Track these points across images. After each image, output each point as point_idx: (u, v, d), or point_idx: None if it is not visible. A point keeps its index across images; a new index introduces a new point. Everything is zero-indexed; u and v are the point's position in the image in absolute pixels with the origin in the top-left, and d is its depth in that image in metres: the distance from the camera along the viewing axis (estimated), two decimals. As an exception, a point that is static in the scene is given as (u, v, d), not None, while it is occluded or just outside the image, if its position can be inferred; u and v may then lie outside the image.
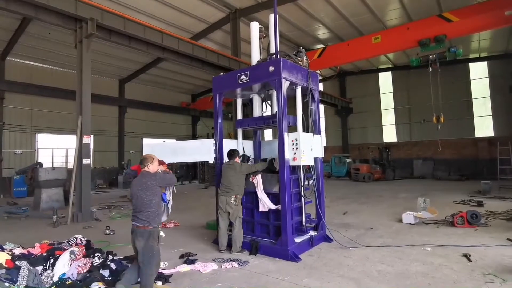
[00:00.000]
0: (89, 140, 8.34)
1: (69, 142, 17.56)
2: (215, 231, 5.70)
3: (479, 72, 19.15)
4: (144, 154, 4.47)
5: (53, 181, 10.09)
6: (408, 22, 13.73)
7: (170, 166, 16.95)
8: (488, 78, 18.83)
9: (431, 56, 11.64)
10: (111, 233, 6.41)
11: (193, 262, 4.45)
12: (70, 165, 16.33)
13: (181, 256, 4.77)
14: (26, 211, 8.78)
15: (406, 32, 12.04)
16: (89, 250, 4.58)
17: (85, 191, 8.11)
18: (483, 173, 17.09)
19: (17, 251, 4.32)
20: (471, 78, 19.30)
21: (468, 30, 11.55)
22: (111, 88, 20.03)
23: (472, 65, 19.28)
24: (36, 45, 14.80)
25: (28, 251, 4.35)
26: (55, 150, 17.58)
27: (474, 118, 19.14)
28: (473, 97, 19.18)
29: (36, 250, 4.43)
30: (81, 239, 5.17)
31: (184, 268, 4.24)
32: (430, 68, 11.79)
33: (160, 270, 4.13)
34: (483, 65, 19.02)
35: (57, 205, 9.61)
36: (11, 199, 12.60)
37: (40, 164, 12.63)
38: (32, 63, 16.45)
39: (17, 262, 3.82)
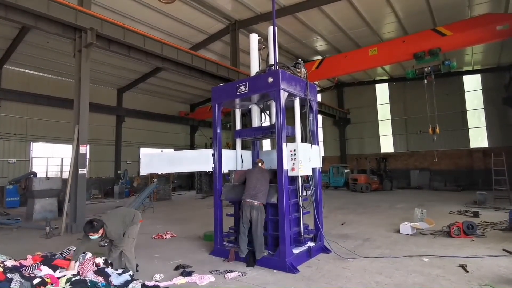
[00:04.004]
0: (85, 149, 8.27)
1: (65, 151, 17.39)
2: (212, 242, 5.66)
3: (472, 85, 19.52)
4: (142, 163, 4.68)
5: (47, 191, 9.93)
6: (404, 35, 14.04)
7: (168, 175, 16.98)
8: (481, 91, 19.20)
9: (426, 69, 11.86)
10: (106, 244, 6.27)
11: (189, 274, 4.37)
12: (65, 174, 16.16)
13: (177, 268, 4.68)
14: (18, 221, 8.58)
15: (402, 45, 12.32)
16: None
17: (79, 201, 7.98)
18: (479, 183, 17.20)
19: (9, 263, 4.20)
20: (465, 90, 19.65)
21: (461, 44, 11.85)
22: (109, 97, 20.05)
23: (466, 78, 19.67)
24: (34, 54, 14.84)
25: (20, 263, 4.24)
26: (50, 159, 17.39)
27: (469, 129, 19.39)
28: (467, 109, 19.49)
29: (28, 262, 4.32)
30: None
31: (180, 280, 4.16)
32: (425, 80, 12.00)
33: (156, 283, 4.06)
34: (477, 77, 19.42)
35: (50, 216, 9.43)
36: (3, 209, 12.35)
37: (34, 174, 12.51)
38: (29, 71, 16.46)
39: (8, 275, 3.72)
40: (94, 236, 4.01)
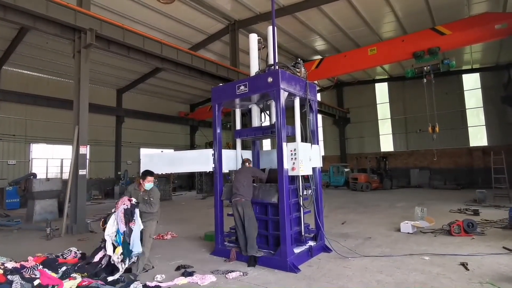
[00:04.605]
0: (85, 150, 8.27)
1: (65, 152, 17.37)
2: (213, 242, 5.67)
3: (471, 83, 19.54)
4: (142, 164, 5.20)
5: (47, 192, 9.91)
6: (403, 34, 14.05)
7: (168, 176, 16.97)
8: (480, 89, 19.23)
9: (425, 68, 11.89)
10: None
11: (191, 274, 4.37)
12: (65, 175, 16.14)
13: (179, 268, 4.69)
14: (19, 223, 8.58)
15: (401, 44, 12.33)
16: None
17: (80, 202, 7.97)
18: (478, 182, 17.22)
19: (9, 265, 4.21)
20: (464, 89, 19.68)
21: (460, 43, 11.86)
22: (108, 97, 20.02)
23: (465, 77, 19.69)
24: (33, 55, 14.82)
25: (20, 265, 4.24)
26: (49, 160, 17.37)
27: (468, 128, 19.43)
28: (466, 108, 19.52)
29: (29, 264, 4.32)
30: (76, 252, 5.08)
31: (181, 280, 4.17)
32: (425, 79, 12.02)
33: (157, 283, 4.06)
34: (476, 76, 19.44)
35: (51, 217, 9.42)
36: (3, 211, 12.33)
37: (34, 175, 12.47)
38: (28, 72, 16.44)
39: (9, 277, 3.73)
40: (150, 184, 4.60)
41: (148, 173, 4.63)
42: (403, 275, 4.18)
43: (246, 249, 4.90)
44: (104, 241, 4.23)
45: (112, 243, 4.11)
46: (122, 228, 4.13)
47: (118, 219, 4.18)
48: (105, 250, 4.17)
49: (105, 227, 4.21)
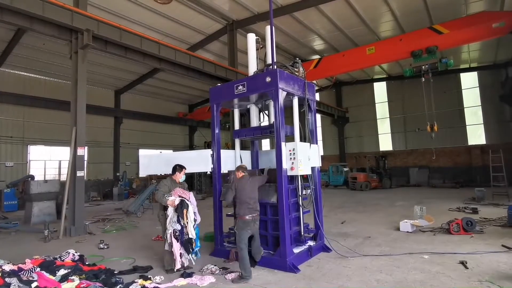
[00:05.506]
0: (83, 151, 8.22)
1: (63, 153, 17.31)
2: (213, 243, 5.64)
3: (469, 82, 19.61)
4: (141, 165, 5.28)
5: (45, 194, 9.87)
6: (401, 33, 14.08)
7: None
8: (478, 88, 19.29)
9: (423, 67, 11.89)
10: (105, 247, 6.26)
11: (190, 275, 4.35)
12: (63, 177, 16.08)
13: (177, 269, 4.65)
14: (17, 225, 8.53)
15: (399, 43, 12.35)
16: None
17: (78, 204, 7.93)
18: (477, 180, 17.27)
19: (7, 267, 4.18)
20: (462, 88, 19.74)
21: (458, 42, 11.90)
22: (106, 98, 19.95)
23: (463, 75, 19.76)
24: (30, 56, 14.75)
25: (18, 267, 4.21)
26: (47, 162, 17.30)
27: (467, 126, 19.49)
28: (465, 106, 19.59)
29: (27, 266, 4.29)
30: (74, 254, 5.05)
31: (181, 282, 4.14)
32: (423, 78, 12.02)
33: (156, 285, 4.04)
34: (474, 75, 19.50)
35: (49, 219, 9.36)
36: (1, 213, 12.28)
37: (32, 177, 12.41)
38: (25, 73, 16.36)
39: (7, 279, 3.70)
40: (183, 177, 4.88)
41: (182, 165, 4.90)
42: (403, 274, 4.18)
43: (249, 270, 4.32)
44: (179, 231, 4.45)
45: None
46: (194, 215, 4.54)
47: (195, 208, 4.57)
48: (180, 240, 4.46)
49: (183, 212, 4.40)
